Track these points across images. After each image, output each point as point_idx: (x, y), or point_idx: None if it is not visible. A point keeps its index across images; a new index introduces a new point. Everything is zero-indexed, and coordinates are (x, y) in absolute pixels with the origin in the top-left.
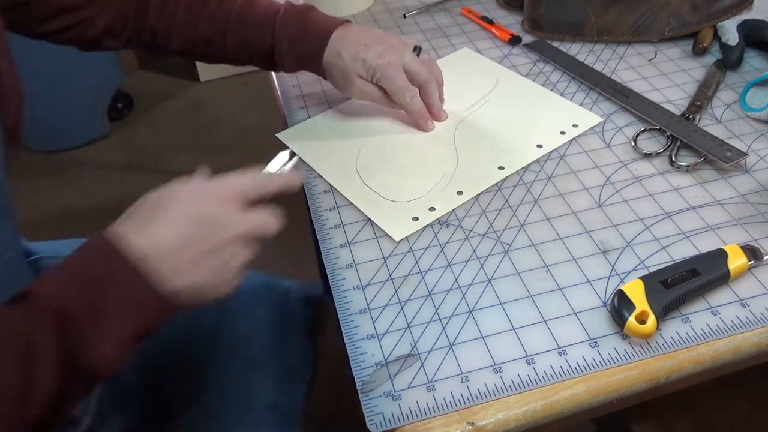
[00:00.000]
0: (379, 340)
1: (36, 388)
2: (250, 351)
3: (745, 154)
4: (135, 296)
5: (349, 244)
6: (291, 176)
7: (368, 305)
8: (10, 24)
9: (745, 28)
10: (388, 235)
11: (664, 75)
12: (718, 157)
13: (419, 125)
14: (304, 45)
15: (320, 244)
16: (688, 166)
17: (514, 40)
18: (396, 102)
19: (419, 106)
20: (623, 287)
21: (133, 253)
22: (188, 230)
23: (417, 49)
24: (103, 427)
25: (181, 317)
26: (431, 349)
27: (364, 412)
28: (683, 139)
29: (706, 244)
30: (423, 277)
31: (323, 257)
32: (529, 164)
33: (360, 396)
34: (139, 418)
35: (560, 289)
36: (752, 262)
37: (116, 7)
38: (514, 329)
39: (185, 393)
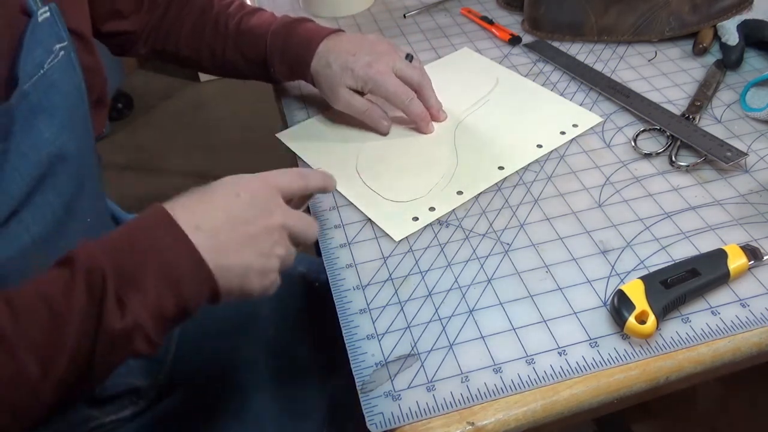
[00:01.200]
0: (379, 340)
1: (66, 343)
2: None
3: (745, 154)
4: (177, 268)
5: (349, 244)
6: (328, 176)
7: (368, 305)
8: None
9: (745, 28)
10: (388, 235)
11: (664, 75)
12: (718, 157)
13: (420, 128)
14: (293, 52)
15: (320, 244)
16: (688, 166)
17: (514, 40)
18: (395, 107)
19: (419, 108)
20: (623, 287)
21: (182, 227)
22: (236, 210)
23: (408, 57)
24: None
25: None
26: (431, 349)
27: (364, 412)
28: (683, 139)
29: (706, 244)
30: (423, 277)
31: (323, 257)
32: (529, 164)
33: (360, 396)
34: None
35: (560, 289)
36: (752, 262)
37: (150, 15)
38: (514, 329)
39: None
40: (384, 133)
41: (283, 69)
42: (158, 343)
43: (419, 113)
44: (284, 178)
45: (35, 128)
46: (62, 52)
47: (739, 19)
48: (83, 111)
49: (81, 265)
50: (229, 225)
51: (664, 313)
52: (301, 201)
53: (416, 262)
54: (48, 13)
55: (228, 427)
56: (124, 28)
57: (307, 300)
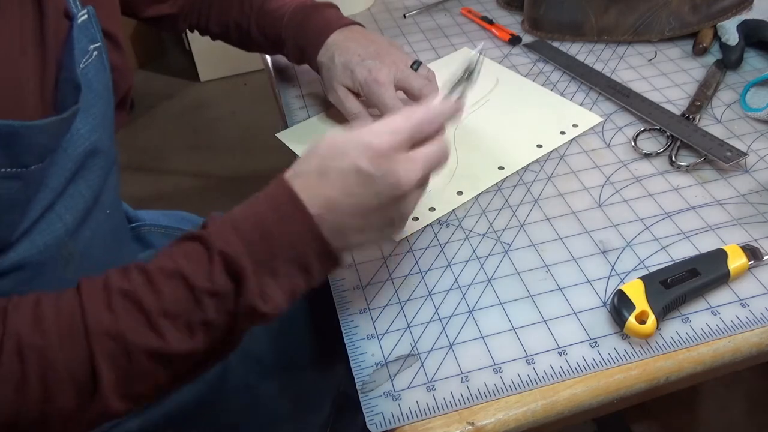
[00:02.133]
0: (379, 340)
1: (204, 320)
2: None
3: (745, 154)
4: (307, 257)
5: None
6: (457, 105)
7: (368, 305)
8: (122, 8)
9: (745, 28)
10: None
11: (664, 75)
12: (718, 157)
13: None
14: (304, 38)
15: None
16: (688, 166)
17: (514, 40)
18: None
19: None
20: (623, 287)
21: (309, 210)
22: (359, 190)
23: (416, 64)
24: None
25: None
26: (431, 349)
27: (364, 412)
28: (683, 139)
29: (706, 244)
30: (423, 277)
31: None
32: (529, 164)
33: (360, 396)
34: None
35: (560, 289)
36: (752, 262)
37: None
38: (514, 329)
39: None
40: None
41: (295, 53)
42: (283, 307)
43: None
44: (406, 131)
45: (74, 126)
46: (95, 53)
47: (739, 19)
48: (111, 109)
49: (215, 246)
50: (351, 208)
51: (664, 313)
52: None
53: (416, 262)
54: (86, 16)
55: (240, 422)
56: (165, 12)
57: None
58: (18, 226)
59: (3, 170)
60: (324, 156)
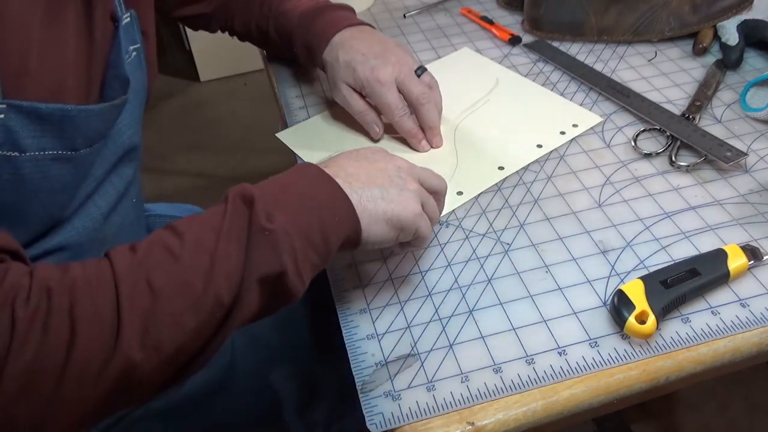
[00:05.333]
0: (379, 340)
1: (223, 251)
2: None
3: (745, 154)
4: (316, 197)
5: None
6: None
7: (368, 305)
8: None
9: (745, 28)
10: None
11: (664, 75)
12: (718, 157)
13: (412, 144)
14: (310, 37)
15: None
16: (688, 166)
17: (514, 40)
18: (386, 119)
19: (408, 125)
20: (623, 287)
21: (334, 178)
22: (363, 156)
23: (420, 69)
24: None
25: None
26: (431, 349)
27: (364, 412)
28: (683, 139)
29: (706, 244)
30: (423, 277)
31: None
32: (529, 164)
33: (360, 396)
34: (223, 374)
35: (560, 289)
36: (752, 262)
37: None
38: (514, 329)
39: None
40: (374, 139)
41: (303, 52)
42: (304, 274)
43: (408, 130)
44: (420, 172)
45: (118, 120)
46: (134, 53)
47: (739, 19)
48: (143, 107)
49: (233, 194)
50: (357, 168)
51: (664, 313)
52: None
53: (416, 262)
54: (129, 18)
55: (249, 408)
56: (198, 12)
57: (312, 282)
58: (67, 208)
59: (55, 152)
60: (347, 156)
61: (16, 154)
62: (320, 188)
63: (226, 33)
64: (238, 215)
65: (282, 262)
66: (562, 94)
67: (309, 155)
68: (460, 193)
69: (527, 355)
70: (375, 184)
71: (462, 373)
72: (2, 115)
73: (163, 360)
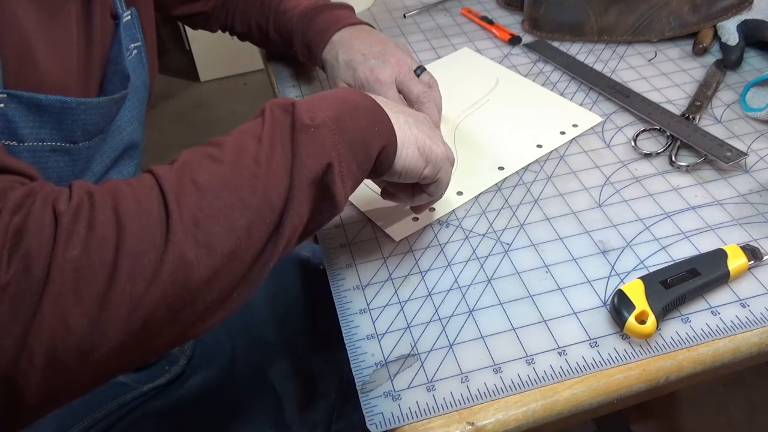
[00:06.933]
0: (379, 340)
1: (267, 154)
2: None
3: (745, 154)
4: (352, 101)
5: (349, 244)
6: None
7: (368, 305)
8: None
9: (745, 28)
10: (388, 235)
11: (664, 75)
12: (718, 157)
13: None
14: (310, 36)
15: (320, 244)
16: (688, 166)
17: (514, 40)
18: None
19: None
20: (623, 287)
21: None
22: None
23: (419, 69)
24: (192, 374)
25: None
26: (431, 349)
27: (364, 412)
28: (683, 139)
29: (706, 244)
30: (423, 277)
31: (323, 257)
32: (529, 164)
33: (360, 396)
34: (223, 373)
35: (560, 289)
36: (752, 262)
37: None
38: (514, 329)
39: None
40: None
41: (303, 50)
42: (347, 177)
43: None
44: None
45: (117, 116)
46: (135, 51)
47: (739, 19)
48: (144, 105)
49: (270, 105)
50: (392, 102)
51: (664, 313)
52: None
53: (416, 262)
54: (129, 17)
55: (250, 406)
56: (196, 10)
57: (311, 281)
58: None
59: (54, 144)
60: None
61: (15, 143)
62: (359, 98)
63: (227, 32)
64: (278, 121)
65: (328, 154)
66: (562, 94)
67: None
68: (460, 193)
69: (527, 355)
70: (410, 114)
71: (462, 373)
72: (2, 105)
73: (218, 262)
